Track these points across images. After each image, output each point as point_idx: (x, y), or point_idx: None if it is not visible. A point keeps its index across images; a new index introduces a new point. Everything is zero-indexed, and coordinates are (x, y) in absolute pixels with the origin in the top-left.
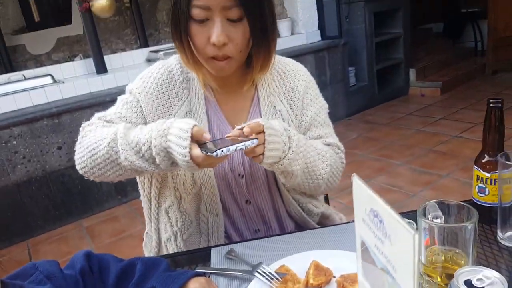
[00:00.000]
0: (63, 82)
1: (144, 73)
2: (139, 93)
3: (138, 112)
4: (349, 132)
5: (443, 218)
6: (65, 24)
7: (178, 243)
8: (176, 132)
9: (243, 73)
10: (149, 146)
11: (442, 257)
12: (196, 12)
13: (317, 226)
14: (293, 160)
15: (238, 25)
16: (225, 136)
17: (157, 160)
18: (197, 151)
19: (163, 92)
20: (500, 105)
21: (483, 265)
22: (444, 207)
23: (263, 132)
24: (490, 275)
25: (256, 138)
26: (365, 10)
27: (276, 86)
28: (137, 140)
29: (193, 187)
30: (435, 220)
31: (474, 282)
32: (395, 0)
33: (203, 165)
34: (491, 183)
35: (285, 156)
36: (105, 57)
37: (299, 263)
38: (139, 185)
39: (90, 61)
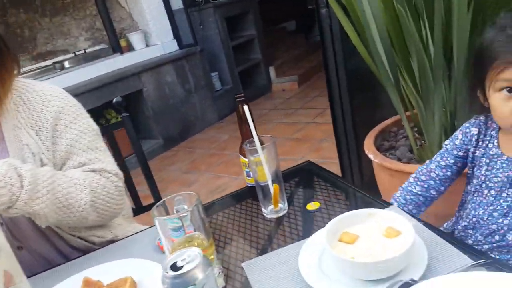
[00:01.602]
0: None
1: None
2: None
3: None
4: (220, 135)
5: (187, 207)
6: None
7: None
8: None
9: None
10: None
11: (196, 243)
12: None
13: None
14: (32, 200)
15: None
16: None
17: None
18: None
19: None
20: (243, 99)
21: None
22: (183, 199)
23: None
24: (192, 253)
25: None
26: (215, 16)
27: (21, 118)
28: None
29: None
30: (180, 211)
31: (179, 263)
32: (244, 4)
33: None
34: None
35: (17, 199)
36: None
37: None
38: None
39: None
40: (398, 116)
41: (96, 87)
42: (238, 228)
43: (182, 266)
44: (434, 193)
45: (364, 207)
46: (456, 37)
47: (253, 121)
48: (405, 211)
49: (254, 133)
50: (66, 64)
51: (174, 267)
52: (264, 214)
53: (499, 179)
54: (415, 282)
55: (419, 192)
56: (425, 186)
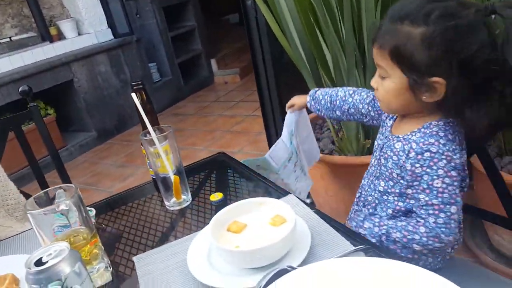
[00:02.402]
0: None
1: None
2: None
3: None
4: None
5: (68, 201)
6: None
7: None
8: None
9: None
10: None
11: (81, 237)
12: None
13: None
14: None
15: None
16: None
17: None
18: None
19: None
20: (140, 87)
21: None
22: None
23: None
24: (58, 247)
25: None
26: (153, 5)
27: None
28: None
29: None
30: (61, 205)
31: (44, 258)
32: None
33: None
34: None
35: None
36: None
37: None
38: None
39: None
40: None
41: (22, 77)
42: (138, 222)
43: (47, 261)
44: (346, 107)
45: (267, 196)
46: (366, 27)
47: (150, 109)
48: (324, 100)
49: (147, 123)
50: None
51: (39, 263)
52: (167, 206)
53: (378, 146)
54: (293, 268)
55: (339, 97)
56: (346, 97)
